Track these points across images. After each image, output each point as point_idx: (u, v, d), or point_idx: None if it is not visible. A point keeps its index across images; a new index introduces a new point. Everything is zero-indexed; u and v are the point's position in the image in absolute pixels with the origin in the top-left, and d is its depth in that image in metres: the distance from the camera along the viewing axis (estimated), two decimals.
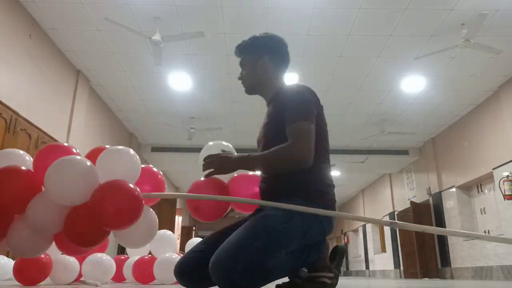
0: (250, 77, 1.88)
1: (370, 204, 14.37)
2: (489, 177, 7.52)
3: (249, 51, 1.88)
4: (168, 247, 3.34)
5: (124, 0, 4.85)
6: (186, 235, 14.01)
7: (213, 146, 1.96)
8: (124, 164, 1.81)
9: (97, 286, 2.38)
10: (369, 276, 14.09)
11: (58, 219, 1.69)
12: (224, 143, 1.99)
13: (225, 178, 1.88)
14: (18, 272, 2.63)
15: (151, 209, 1.94)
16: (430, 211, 9.48)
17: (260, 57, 1.84)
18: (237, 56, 1.94)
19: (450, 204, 8.73)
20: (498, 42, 5.48)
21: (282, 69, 1.90)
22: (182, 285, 1.66)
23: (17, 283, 2.70)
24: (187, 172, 12.68)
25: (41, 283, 2.72)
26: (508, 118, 6.64)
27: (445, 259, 8.77)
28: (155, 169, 2.01)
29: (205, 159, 1.76)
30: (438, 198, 9.17)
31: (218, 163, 1.71)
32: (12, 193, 1.72)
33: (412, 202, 9.88)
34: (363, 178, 13.50)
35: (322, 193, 1.66)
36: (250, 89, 1.91)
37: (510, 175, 6.57)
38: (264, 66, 1.84)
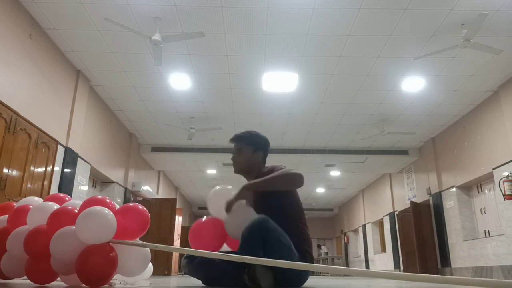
0: (244, 163, 2.38)
1: (370, 204, 14.37)
2: (489, 177, 7.52)
3: (249, 143, 2.39)
4: None
5: (124, 0, 4.85)
6: (186, 235, 13.98)
7: (220, 189, 2.43)
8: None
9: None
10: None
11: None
12: (229, 186, 2.46)
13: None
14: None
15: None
16: (430, 211, 9.49)
17: (256, 151, 2.38)
18: (234, 142, 2.41)
19: (450, 204, 8.72)
20: (498, 42, 5.49)
21: (265, 160, 2.45)
22: None
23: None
24: (187, 172, 12.69)
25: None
26: (508, 118, 6.64)
27: (445, 259, 8.77)
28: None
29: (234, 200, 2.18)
30: (438, 198, 9.17)
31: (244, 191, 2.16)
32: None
33: (412, 202, 9.86)
34: (363, 178, 13.50)
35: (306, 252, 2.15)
36: (240, 171, 2.40)
37: (510, 175, 6.57)
38: (258, 158, 2.38)
